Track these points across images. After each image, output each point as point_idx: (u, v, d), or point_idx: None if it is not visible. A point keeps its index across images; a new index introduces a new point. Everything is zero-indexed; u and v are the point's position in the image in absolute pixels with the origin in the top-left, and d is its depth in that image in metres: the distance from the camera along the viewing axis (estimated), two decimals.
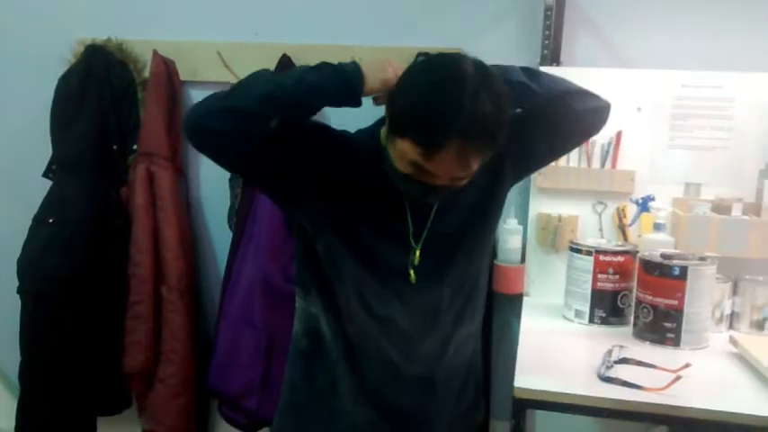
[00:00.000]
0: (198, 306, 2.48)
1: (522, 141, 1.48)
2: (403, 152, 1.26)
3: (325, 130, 1.48)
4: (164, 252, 2.36)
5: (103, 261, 2.32)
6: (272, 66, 2.36)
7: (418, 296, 1.45)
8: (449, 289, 1.48)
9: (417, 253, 1.44)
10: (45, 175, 2.40)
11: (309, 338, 1.53)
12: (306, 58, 2.37)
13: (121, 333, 2.33)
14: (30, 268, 2.30)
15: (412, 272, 1.44)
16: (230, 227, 2.42)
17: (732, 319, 1.95)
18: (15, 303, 2.34)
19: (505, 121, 1.25)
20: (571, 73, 2.17)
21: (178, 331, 2.36)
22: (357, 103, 1.34)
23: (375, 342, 1.45)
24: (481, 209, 1.50)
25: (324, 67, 1.35)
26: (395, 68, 1.34)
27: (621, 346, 1.70)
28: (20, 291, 2.32)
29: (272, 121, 1.32)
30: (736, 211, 1.99)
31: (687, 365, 1.53)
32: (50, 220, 2.31)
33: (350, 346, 1.45)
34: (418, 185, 1.31)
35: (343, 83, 1.32)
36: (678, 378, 1.48)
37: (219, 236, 2.50)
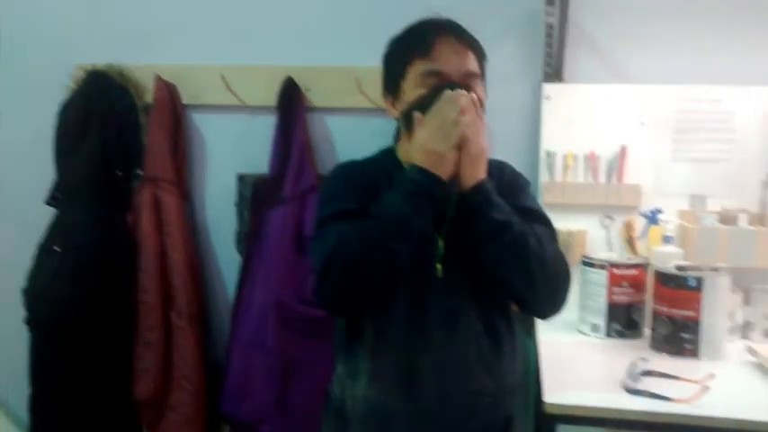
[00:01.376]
0: (208, 331, 2.46)
1: None
2: (415, 76, 1.43)
3: (355, 171, 1.52)
4: (172, 277, 2.34)
5: (112, 288, 2.29)
6: (276, 89, 2.37)
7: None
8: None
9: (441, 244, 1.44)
10: (47, 202, 2.38)
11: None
12: (310, 79, 2.40)
13: (131, 360, 2.30)
14: (38, 298, 2.26)
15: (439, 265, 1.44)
16: (239, 251, 2.41)
17: (745, 329, 1.98)
18: (19, 334, 2.31)
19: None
20: (574, 89, 2.24)
21: (189, 357, 2.33)
22: (444, 189, 1.37)
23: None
24: None
25: (421, 205, 1.34)
26: (441, 132, 1.36)
27: (644, 359, 1.72)
28: (28, 321, 2.29)
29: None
30: (743, 222, 2.04)
31: (711, 376, 1.55)
32: (56, 248, 2.28)
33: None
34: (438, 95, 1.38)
35: (428, 196, 1.35)
36: (706, 388, 1.50)
37: (227, 260, 2.49)
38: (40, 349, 2.26)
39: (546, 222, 1.50)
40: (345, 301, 1.38)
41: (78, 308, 2.23)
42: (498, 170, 1.56)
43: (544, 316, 1.50)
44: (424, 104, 1.40)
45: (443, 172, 1.35)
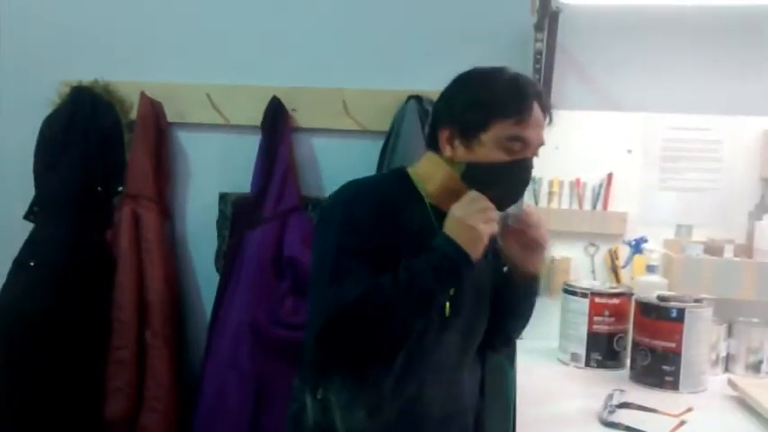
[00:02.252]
0: (183, 351, 2.41)
1: None
2: (497, 137, 1.35)
3: (376, 197, 1.44)
4: (148, 295, 2.31)
5: (86, 305, 2.26)
6: (261, 108, 2.36)
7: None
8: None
9: None
10: (26, 217, 2.35)
11: None
12: (296, 100, 2.39)
13: (103, 379, 2.25)
14: (9, 312, 2.22)
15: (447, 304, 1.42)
16: (217, 269, 2.38)
17: (728, 362, 1.93)
18: None
19: None
20: (561, 115, 2.21)
21: (162, 377, 2.29)
22: (473, 268, 1.35)
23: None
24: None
25: (436, 271, 1.32)
26: (485, 215, 1.35)
27: (622, 390, 1.67)
28: None
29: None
30: (728, 253, 2.00)
31: (690, 410, 1.51)
32: (32, 263, 2.26)
33: None
34: (516, 171, 1.38)
35: (456, 276, 1.35)
36: (682, 423, 1.46)
37: (206, 278, 2.45)
38: (8, 364, 2.21)
39: None
40: (348, 353, 1.37)
41: (50, 324, 2.19)
42: None
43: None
44: (502, 172, 1.37)
45: (475, 252, 1.33)
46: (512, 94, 1.36)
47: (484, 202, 1.34)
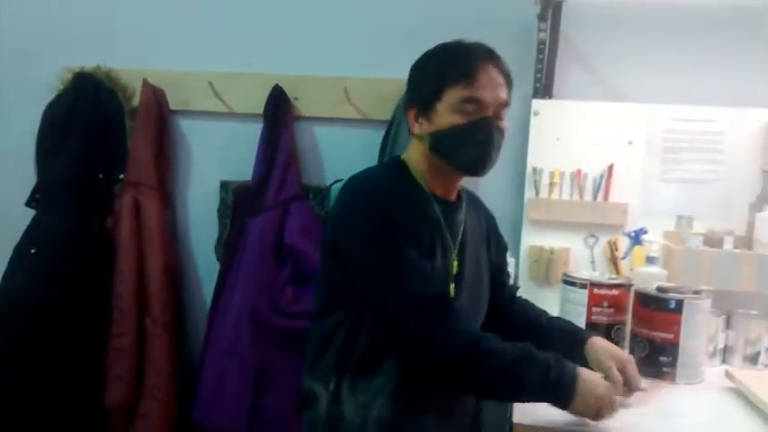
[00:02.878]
0: (183, 339, 2.42)
1: None
2: (452, 102, 1.39)
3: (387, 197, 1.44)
4: (148, 283, 2.31)
5: (86, 292, 2.26)
6: (264, 97, 2.35)
7: None
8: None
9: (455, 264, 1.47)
10: (28, 203, 2.35)
11: None
12: (298, 88, 2.39)
13: (102, 366, 2.26)
14: (10, 299, 2.23)
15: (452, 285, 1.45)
16: (217, 258, 2.38)
17: (725, 353, 1.93)
18: None
19: None
20: (563, 105, 2.21)
21: (161, 365, 2.30)
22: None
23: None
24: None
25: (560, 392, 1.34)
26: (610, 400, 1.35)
27: None
28: None
29: None
30: (728, 245, 1.99)
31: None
32: (32, 250, 2.26)
33: None
34: (475, 131, 1.39)
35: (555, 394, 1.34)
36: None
37: (206, 267, 2.46)
38: (8, 351, 2.22)
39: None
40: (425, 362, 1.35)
41: (50, 311, 2.20)
42: (489, 219, 1.66)
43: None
44: (460, 134, 1.40)
45: (573, 411, 1.34)
46: (457, 58, 1.43)
47: (615, 399, 1.36)
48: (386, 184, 1.44)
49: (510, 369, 1.31)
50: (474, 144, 1.41)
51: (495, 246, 1.65)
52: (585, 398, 1.33)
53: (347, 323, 1.42)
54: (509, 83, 1.46)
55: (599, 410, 1.34)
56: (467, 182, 1.57)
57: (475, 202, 1.63)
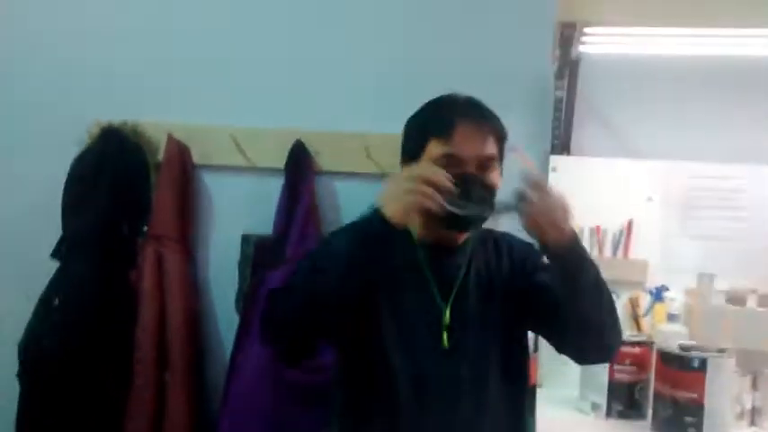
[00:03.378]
0: (202, 393, 2.41)
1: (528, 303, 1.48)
2: (432, 157, 1.39)
3: (354, 235, 1.44)
4: (170, 336, 2.32)
5: (107, 344, 2.26)
6: (285, 151, 2.40)
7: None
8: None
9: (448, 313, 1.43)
10: (53, 255, 2.38)
11: None
12: (320, 144, 2.42)
13: (122, 420, 2.26)
14: (31, 349, 2.24)
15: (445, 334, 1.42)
16: (237, 311, 2.39)
17: (754, 415, 1.90)
18: (13, 390, 2.28)
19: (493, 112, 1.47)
20: (581, 161, 2.23)
21: (180, 419, 2.27)
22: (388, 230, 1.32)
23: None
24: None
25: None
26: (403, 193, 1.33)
27: None
28: (19, 374, 2.26)
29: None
30: (752, 303, 1.99)
31: None
32: (56, 301, 2.28)
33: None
34: (458, 188, 1.33)
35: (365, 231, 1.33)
36: None
37: (227, 320, 2.46)
38: (28, 403, 2.22)
39: None
40: (286, 340, 1.36)
41: (71, 362, 2.20)
42: (507, 244, 1.57)
43: (613, 358, 1.59)
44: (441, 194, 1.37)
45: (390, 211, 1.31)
46: (437, 113, 1.45)
47: (413, 170, 1.34)
48: (359, 226, 1.40)
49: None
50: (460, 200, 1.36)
51: (521, 274, 1.52)
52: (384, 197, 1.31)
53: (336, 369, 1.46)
54: (497, 135, 1.44)
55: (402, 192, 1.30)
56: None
57: (497, 244, 1.56)
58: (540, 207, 1.33)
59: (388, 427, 1.41)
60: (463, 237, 1.50)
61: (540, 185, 1.35)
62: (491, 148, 1.42)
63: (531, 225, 1.34)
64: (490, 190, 1.40)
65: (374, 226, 1.37)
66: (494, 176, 1.42)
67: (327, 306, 1.30)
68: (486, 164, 1.40)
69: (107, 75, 2.59)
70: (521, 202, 1.33)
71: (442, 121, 1.41)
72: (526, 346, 1.58)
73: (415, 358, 1.41)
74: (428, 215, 1.34)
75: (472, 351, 1.44)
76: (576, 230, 1.38)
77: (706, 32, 1.97)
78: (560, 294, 1.36)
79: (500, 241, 1.56)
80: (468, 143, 1.39)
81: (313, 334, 1.35)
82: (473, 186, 1.36)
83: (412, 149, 1.45)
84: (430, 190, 1.29)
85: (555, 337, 1.47)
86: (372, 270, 1.34)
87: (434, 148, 1.40)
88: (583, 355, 1.48)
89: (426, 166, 1.37)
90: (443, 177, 1.32)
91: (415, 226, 1.46)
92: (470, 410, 1.42)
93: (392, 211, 1.30)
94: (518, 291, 1.49)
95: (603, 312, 1.37)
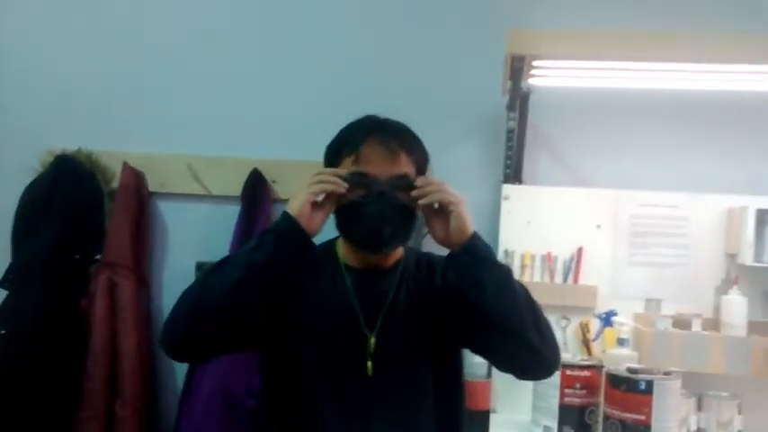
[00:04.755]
0: (153, 423, 2.37)
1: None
2: (351, 179, 1.38)
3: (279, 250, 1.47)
4: (121, 365, 2.28)
5: (56, 374, 2.22)
6: (242, 180, 2.40)
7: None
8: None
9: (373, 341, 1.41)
10: (0, 284, 2.34)
11: None
12: (277, 172, 2.44)
13: None
14: None
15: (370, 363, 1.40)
16: None
17: None
18: None
19: (410, 130, 1.46)
20: (532, 190, 2.28)
21: None
22: (310, 244, 1.36)
23: None
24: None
25: (263, 240, 1.34)
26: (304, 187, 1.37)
27: None
28: None
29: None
30: (696, 327, 2.04)
31: None
32: (2, 331, 2.23)
33: None
34: (365, 206, 1.36)
35: (288, 238, 1.33)
36: None
37: None
38: None
39: None
40: (185, 343, 1.36)
41: (17, 393, 2.15)
42: (436, 261, 1.52)
43: (550, 371, 1.43)
44: (350, 210, 1.38)
45: (293, 209, 1.35)
46: (346, 135, 1.45)
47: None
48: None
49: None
50: (365, 220, 1.37)
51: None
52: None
53: None
54: (411, 154, 1.41)
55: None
56: (436, 251, 1.54)
57: (430, 264, 1.52)
58: (428, 191, 1.36)
59: None
60: (391, 260, 1.49)
61: (427, 179, 1.39)
62: (403, 167, 1.39)
63: (424, 212, 1.38)
64: (400, 208, 1.38)
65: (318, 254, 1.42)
66: (405, 196, 1.38)
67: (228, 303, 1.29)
68: (399, 183, 1.38)
69: (63, 103, 2.59)
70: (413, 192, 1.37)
71: (352, 138, 1.42)
72: (460, 369, 1.53)
73: (338, 386, 1.39)
74: (344, 218, 1.39)
75: (399, 377, 1.41)
76: (474, 230, 1.38)
77: (652, 66, 2.05)
78: (465, 292, 1.33)
79: (433, 261, 1.52)
80: (376, 162, 1.38)
81: (208, 330, 1.31)
82: (386, 207, 1.36)
83: (328, 167, 1.45)
84: (328, 176, 1.36)
85: (483, 348, 1.44)
86: (283, 291, 1.34)
87: (345, 167, 1.40)
88: (515, 365, 1.40)
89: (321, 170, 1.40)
90: (336, 172, 1.38)
91: (342, 252, 1.47)
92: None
93: (297, 205, 1.33)
94: (452, 311, 1.42)
95: (521, 313, 1.32)
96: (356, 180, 1.37)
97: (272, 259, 1.31)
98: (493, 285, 1.32)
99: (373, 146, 1.39)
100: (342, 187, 1.36)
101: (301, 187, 1.37)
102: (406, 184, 1.39)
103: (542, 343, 1.35)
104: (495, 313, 1.31)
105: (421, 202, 1.37)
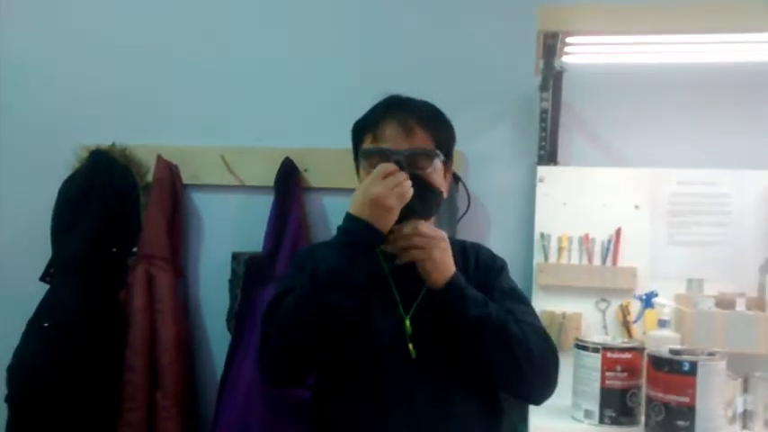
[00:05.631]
0: (194, 412, 2.40)
1: None
2: (363, 156, 1.43)
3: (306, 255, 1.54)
4: (160, 356, 2.31)
5: (97, 366, 2.25)
6: (274, 169, 2.40)
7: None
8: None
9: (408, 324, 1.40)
10: (42, 278, 2.38)
11: None
12: (308, 161, 2.44)
13: None
14: (20, 373, 2.23)
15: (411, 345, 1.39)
16: (229, 329, 2.38)
17: (745, 419, 1.90)
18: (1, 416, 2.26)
19: (434, 107, 1.48)
20: (568, 171, 2.25)
21: None
22: (381, 240, 1.32)
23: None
24: None
25: (333, 248, 1.33)
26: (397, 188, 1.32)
27: None
28: (7, 399, 2.25)
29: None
30: (740, 306, 1.98)
31: None
32: (45, 324, 2.27)
33: None
34: None
35: (358, 246, 1.30)
36: None
37: (218, 338, 2.46)
38: (17, 427, 2.20)
39: (525, 302, 1.49)
40: (283, 366, 1.36)
41: (60, 385, 2.19)
42: (474, 253, 1.54)
43: (537, 402, 1.47)
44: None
45: (376, 218, 1.30)
46: (368, 114, 1.47)
47: (395, 177, 1.30)
48: (315, 245, 1.52)
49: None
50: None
51: (484, 285, 1.46)
52: (368, 207, 1.28)
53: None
54: (431, 131, 1.41)
55: (388, 194, 1.28)
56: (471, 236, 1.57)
57: (464, 253, 1.52)
58: (400, 246, 1.35)
59: None
60: None
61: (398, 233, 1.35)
62: (420, 142, 1.39)
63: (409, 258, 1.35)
64: (417, 180, 1.35)
65: (356, 237, 1.36)
66: (428, 171, 1.39)
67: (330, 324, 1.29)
68: (417, 159, 1.38)
69: (95, 99, 2.62)
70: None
71: (369, 118, 1.45)
72: None
73: (381, 371, 1.39)
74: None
75: (440, 360, 1.40)
76: (454, 270, 1.37)
77: (688, 39, 1.98)
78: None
79: (468, 250, 1.53)
80: (394, 138, 1.38)
81: (310, 356, 1.35)
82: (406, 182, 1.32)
83: (354, 149, 1.48)
84: (403, 177, 1.30)
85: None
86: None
87: (366, 144, 1.43)
88: (507, 388, 1.45)
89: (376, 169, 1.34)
90: (387, 169, 1.31)
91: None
92: (437, 420, 1.39)
93: (389, 203, 1.27)
94: None
95: (512, 353, 1.33)
96: (373, 154, 1.39)
97: (371, 273, 1.32)
98: (476, 328, 1.33)
99: (390, 123, 1.40)
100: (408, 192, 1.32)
101: (368, 190, 1.31)
102: (423, 153, 1.39)
103: (521, 383, 1.38)
104: (486, 355, 1.35)
105: (397, 261, 1.37)
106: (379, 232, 1.29)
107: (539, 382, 1.40)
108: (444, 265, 1.35)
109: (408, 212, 1.34)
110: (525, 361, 1.34)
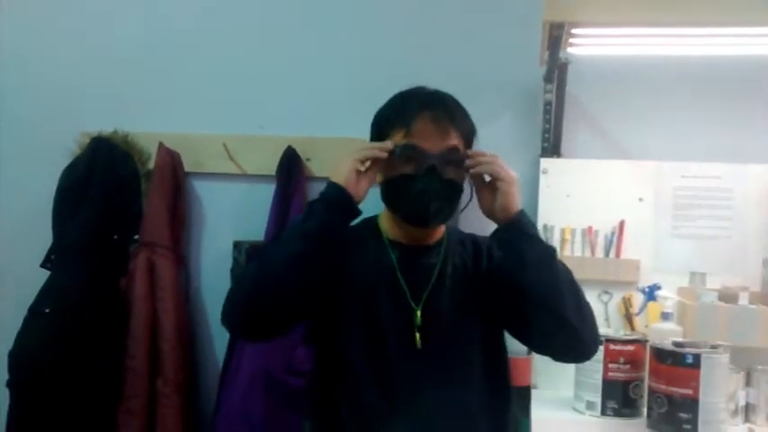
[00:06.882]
0: (194, 400, 2.40)
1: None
2: (402, 150, 1.39)
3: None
4: (161, 343, 2.31)
5: (98, 353, 2.25)
6: (277, 158, 2.40)
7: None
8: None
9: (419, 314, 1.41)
10: (43, 264, 2.37)
11: None
12: (310, 149, 2.43)
13: (114, 428, 2.24)
14: (21, 359, 2.22)
15: (417, 335, 1.40)
16: None
17: (748, 412, 1.90)
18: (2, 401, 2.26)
19: (458, 102, 1.46)
20: (571, 164, 2.24)
21: (172, 427, 2.26)
22: (357, 210, 1.39)
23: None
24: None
25: (312, 209, 1.37)
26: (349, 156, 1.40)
27: None
28: (9, 384, 2.24)
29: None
30: (743, 300, 1.98)
31: None
32: (46, 310, 2.26)
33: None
34: (415, 180, 1.36)
35: (337, 204, 1.36)
36: None
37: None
38: (19, 413, 2.19)
39: None
40: (249, 319, 1.36)
41: (61, 371, 2.18)
42: (486, 247, 1.51)
43: (588, 354, 1.44)
44: (400, 185, 1.39)
45: (338, 177, 1.38)
46: (398, 107, 1.44)
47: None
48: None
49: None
50: (413, 194, 1.37)
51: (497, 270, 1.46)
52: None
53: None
54: (460, 128, 1.41)
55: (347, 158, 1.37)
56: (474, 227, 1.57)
57: (476, 245, 1.52)
58: (480, 161, 1.39)
59: (356, 429, 1.40)
60: (435, 236, 1.49)
61: (480, 152, 1.41)
62: (452, 139, 1.40)
63: (475, 182, 1.40)
64: (449, 184, 1.38)
65: (354, 231, 1.43)
66: (455, 169, 1.40)
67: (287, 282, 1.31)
68: (449, 156, 1.38)
69: (97, 85, 2.60)
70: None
71: (403, 112, 1.41)
72: (504, 347, 1.52)
73: (385, 360, 1.39)
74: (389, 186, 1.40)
75: (447, 351, 1.41)
76: (522, 208, 1.40)
77: (695, 32, 1.97)
78: (507, 268, 1.37)
79: (480, 242, 1.52)
80: (428, 136, 1.38)
81: (272, 306, 1.33)
82: (435, 182, 1.36)
83: (377, 138, 1.45)
84: (375, 144, 1.39)
85: (523, 327, 1.41)
86: (338, 268, 1.36)
87: (397, 139, 1.40)
88: (553, 345, 1.40)
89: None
90: (383, 146, 1.38)
91: (386, 228, 1.47)
92: (445, 411, 1.39)
93: (343, 172, 1.36)
94: (495, 288, 1.44)
95: (562, 292, 1.33)
96: (407, 152, 1.37)
97: (324, 226, 1.33)
98: (534, 262, 1.34)
99: (425, 121, 1.38)
100: (384, 153, 1.37)
101: (344, 157, 1.39)
102: (456, 158, 1.39)
103: (582, 324, 1.35)
104: (536, 290, 1.33)
105: (472, 171, 1.39)
106: (341, 187, 1.35)
107: (593, 328, 1.40)
108: (516, 197, 1.38)
109: (438, 213, 1.39)
110: (585, 302, 1.38)
